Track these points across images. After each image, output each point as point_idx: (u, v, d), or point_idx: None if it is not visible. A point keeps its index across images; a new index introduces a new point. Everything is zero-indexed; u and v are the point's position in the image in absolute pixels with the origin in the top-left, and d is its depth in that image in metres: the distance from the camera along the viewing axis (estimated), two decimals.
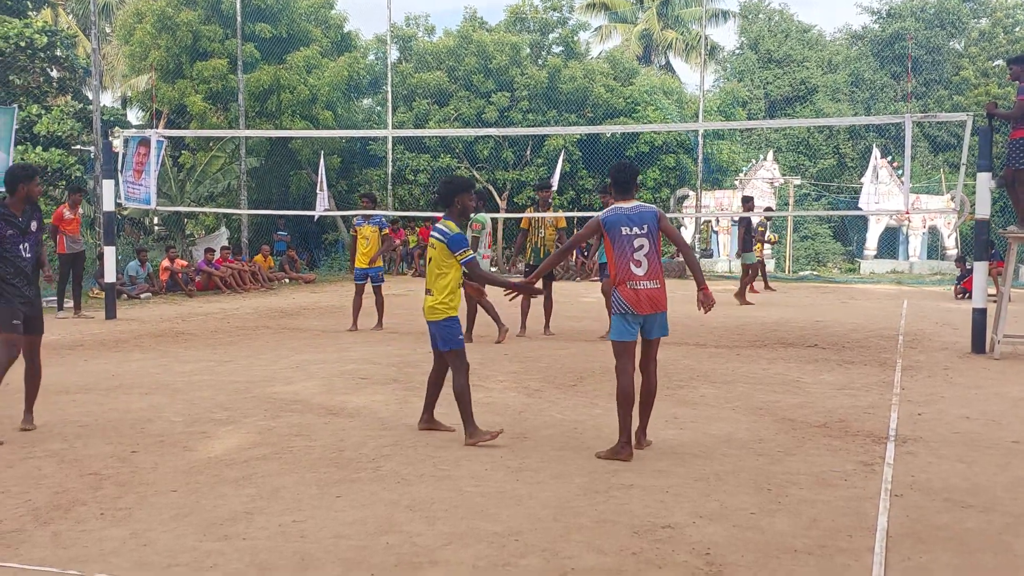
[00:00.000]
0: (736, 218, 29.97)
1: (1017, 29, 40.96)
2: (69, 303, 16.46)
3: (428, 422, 7.68)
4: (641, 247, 6.79)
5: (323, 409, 8.50)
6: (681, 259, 26.09)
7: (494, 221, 28.78)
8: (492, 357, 11.57)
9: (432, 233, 7.39)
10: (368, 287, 14.44)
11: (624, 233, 6.81)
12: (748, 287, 19.84)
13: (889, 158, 31.71)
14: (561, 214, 15.03)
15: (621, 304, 6.80)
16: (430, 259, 7.39)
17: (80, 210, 16.93)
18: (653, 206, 7.07)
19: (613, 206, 7.01)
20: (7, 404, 8.21)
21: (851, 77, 41.25)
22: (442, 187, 7.56)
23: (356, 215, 14.84)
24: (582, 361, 11.38)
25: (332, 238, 31.40)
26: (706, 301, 6.87)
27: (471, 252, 7.36)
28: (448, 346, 7.33)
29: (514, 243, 15.22)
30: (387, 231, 14.56)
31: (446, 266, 7.31)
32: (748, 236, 19.87)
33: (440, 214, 7.65)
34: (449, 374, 7.48)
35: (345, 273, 26.24)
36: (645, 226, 6.81)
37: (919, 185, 33.53)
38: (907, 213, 14.57)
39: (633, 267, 6.77)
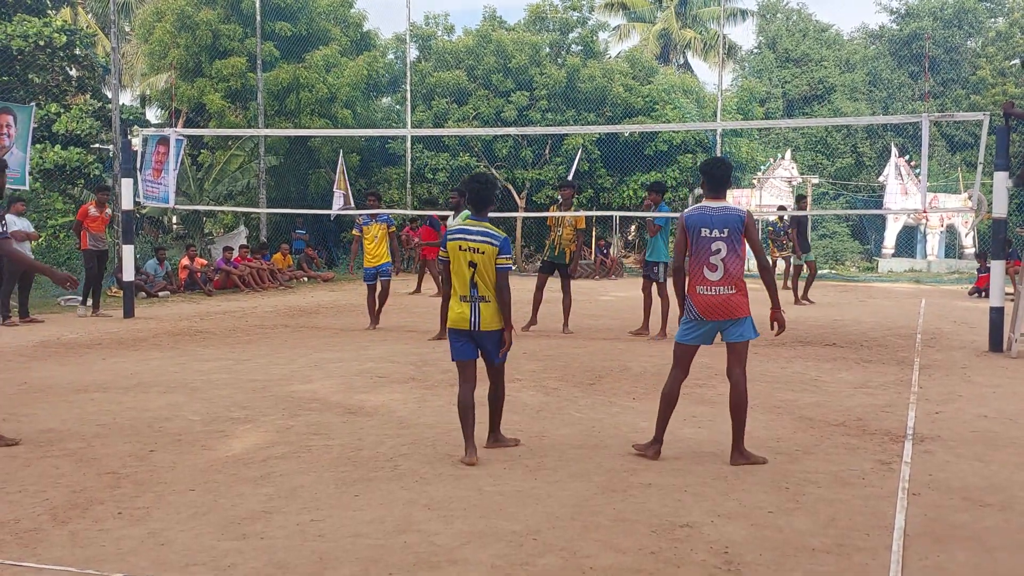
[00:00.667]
0: (765, 218, 29.84)
1: None
2: (89, 301, 16.53)
3: (496, 440, 7.10)
4: (718, 251, 6.53)
5: (341, 408, 8.51)
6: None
7: (512, 220, 28.94)
8: (510, 355, 11.54)
9: (470, 236, 6.69)
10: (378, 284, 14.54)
11: (703, 235, 6.56)
12: (783, 286, 19.79)
13: (907, 157, 31.60)
14: (582, 213, 15.03)
15: (690, 310, 6.64)
16: (472, 264, 6.68)
17: (108, 209, 17.00)
18: (742, 209, 6.73)
19: (700, 204, 6.74)
20: (24, 403, 8.25)
21: (869, 76, 41.07)
22: (482, 187, 6.93)
23: (362, 214, 14.88)
24: (600, 360, 11.36)
25: (350, 236, 31.45)
26: (779, 321, 6.82)
27: (511, 262, 6.90)
28: (504, 358, 7.00)
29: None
30: (393, 228, 14.63)
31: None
32: (802, 236, 19.77)
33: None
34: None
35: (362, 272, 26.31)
36: (726, 230, 6.53)
37: (937, 184, 33.39)
38: (925, 212, 14.51)
39: (707, 271, 6.54)
